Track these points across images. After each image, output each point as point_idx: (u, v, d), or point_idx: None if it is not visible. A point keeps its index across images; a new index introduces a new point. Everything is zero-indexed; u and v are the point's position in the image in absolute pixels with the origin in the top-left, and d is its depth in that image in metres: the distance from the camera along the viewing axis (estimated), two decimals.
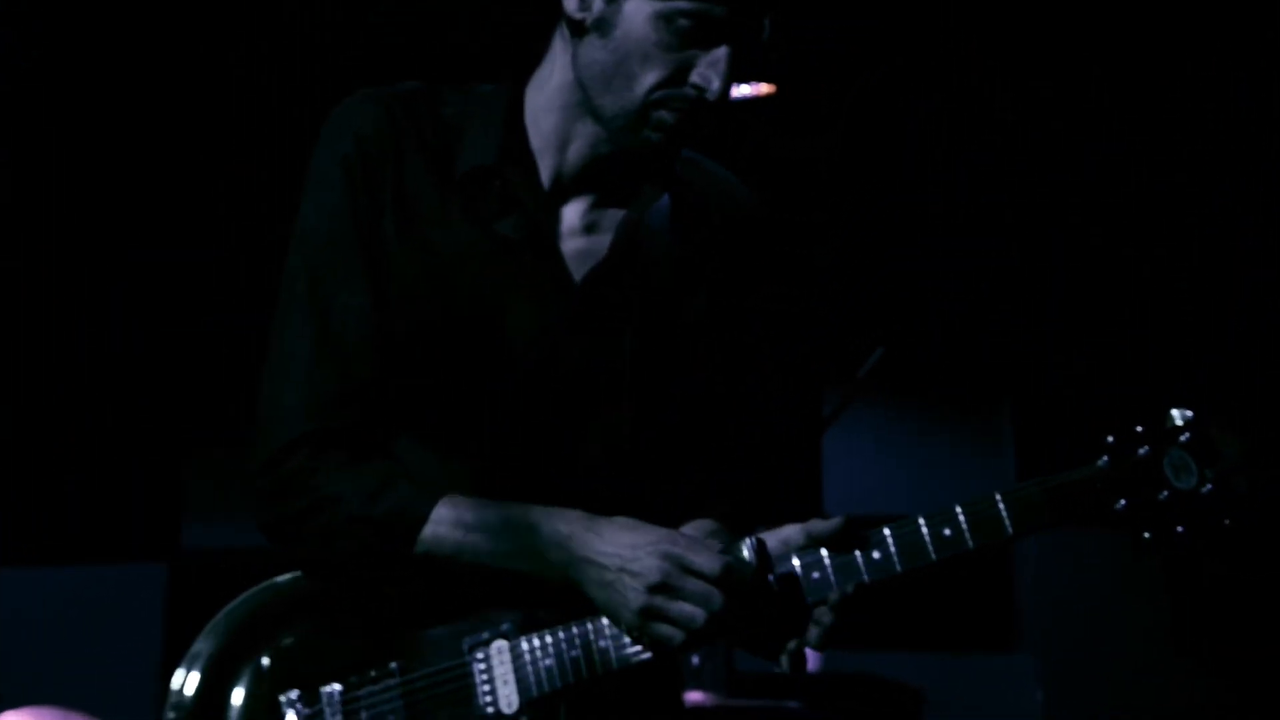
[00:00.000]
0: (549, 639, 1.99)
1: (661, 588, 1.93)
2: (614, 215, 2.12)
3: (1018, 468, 6.16)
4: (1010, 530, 1.99)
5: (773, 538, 1.99)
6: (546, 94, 2.11)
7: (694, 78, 2.01)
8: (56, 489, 6.01)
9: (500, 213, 2.08)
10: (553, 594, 1.99)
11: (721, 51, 2.00)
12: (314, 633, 2.03)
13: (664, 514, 2.03)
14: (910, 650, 5.61)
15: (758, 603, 1.96)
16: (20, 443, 5.95)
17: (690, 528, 2.02)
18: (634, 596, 1.94)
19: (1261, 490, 2.02)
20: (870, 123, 5.54)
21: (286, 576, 2.07)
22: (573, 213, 2.12)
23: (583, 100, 2.07)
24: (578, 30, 2.05)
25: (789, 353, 2.27)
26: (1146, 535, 2.01)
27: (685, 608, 1.93)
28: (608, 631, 1.98)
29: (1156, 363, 5.63)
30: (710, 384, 2.17)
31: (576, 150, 2.10)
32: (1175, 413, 2.03)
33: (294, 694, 2.00)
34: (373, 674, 2.00)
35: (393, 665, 2.00)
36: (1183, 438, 2.02)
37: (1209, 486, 2.01)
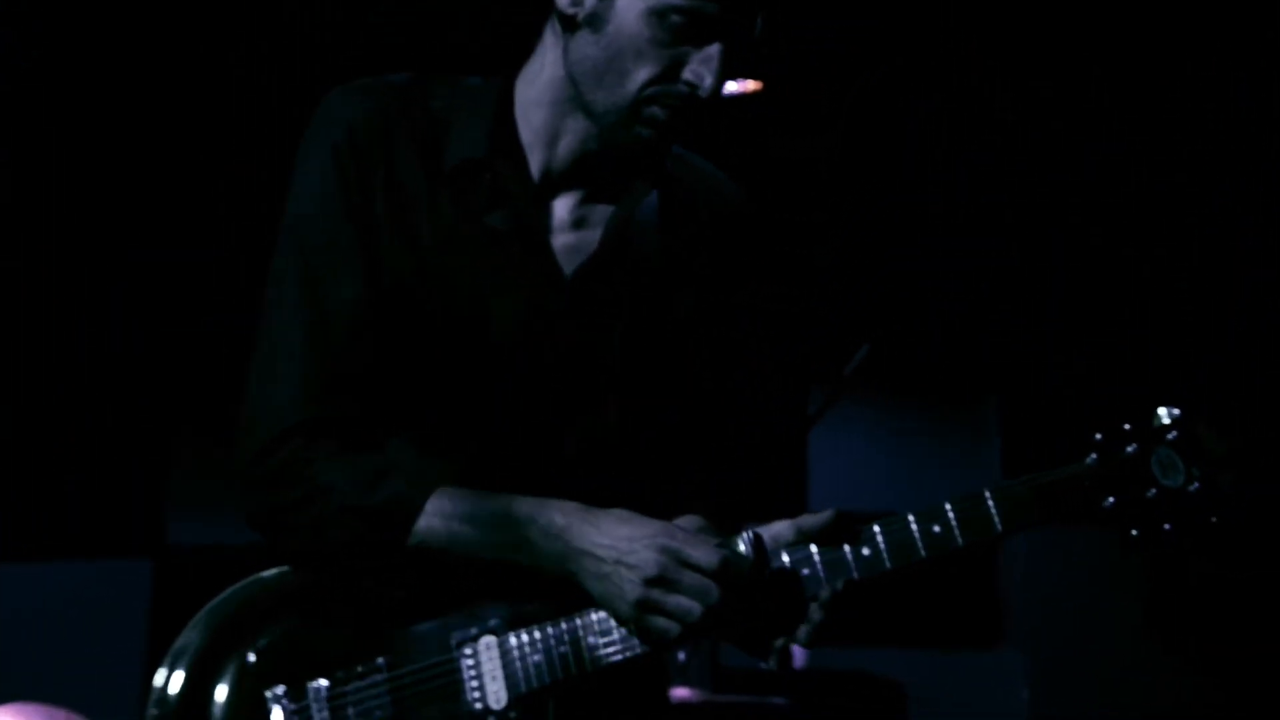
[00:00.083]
0: (537, 634, 1.99)
1: (659, 581, 1.93)
2: (603, 211, 2.12)
3: (1004, 465, 6.16)
4: (999, 527, 1.99)
5: (764, 533, 2.00)
6: (537, 88, 2.10)
7: (686, 74, 2.01)
8: (41, 485, 5.99)
9: (490, 205, 2.07)
10: (542, 588, 1.98)
11: (714, 48, 2.00)
12: (300, 627, 2.02)
13: (651, 509, 2.02)
14: (897, 646, 5.62)
15: (754, 597, 1.96)
16: (4, 439, 5.93)
17: (679, 523, 2.02)
18: (631, 589, 1.94)
19: (1248, 488, 2.03)
20: (870, 122, 5.53)
21: (272, 571, 2.05)
22: (562, 207, 2.11)
23: (574, 95, 2.06)
24: (569, 25, 2.05)
25: (777, 349, 2.27)
26: (1134, 533, 2.02)
27: (682, 601, 1.93)
28: (597, 627, 1.98)
29: (1144, 361, 5.64)
30: (698, 380, 2.17)
31: (566, 145, 2.10)
32: (1163, 411, 2.04)
33: (280, 689, 1.98)
34: (360, 669, 1.98)
35: (380, 660, 1.99)
36: (1170, 436, 2.03)
37: (1196, 485, 2.02)
